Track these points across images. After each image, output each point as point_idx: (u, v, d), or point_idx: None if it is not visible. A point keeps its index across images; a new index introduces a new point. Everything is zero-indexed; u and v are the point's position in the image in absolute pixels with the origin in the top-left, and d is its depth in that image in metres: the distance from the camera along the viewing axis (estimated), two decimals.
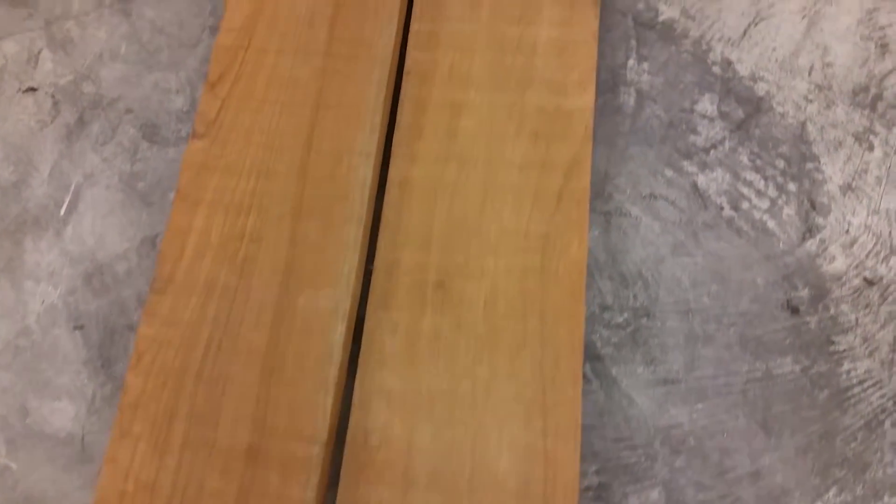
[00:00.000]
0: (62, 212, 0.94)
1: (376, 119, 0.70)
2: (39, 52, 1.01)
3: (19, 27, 1.02)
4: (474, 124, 0.71)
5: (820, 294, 0.86)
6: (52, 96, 0.98)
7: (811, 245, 0.88)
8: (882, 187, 0.90)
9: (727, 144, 0.92)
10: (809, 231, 0.89)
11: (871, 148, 0.91)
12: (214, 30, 1.00)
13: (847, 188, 0.90)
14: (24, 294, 0.92)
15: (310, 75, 0.73)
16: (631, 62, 0.96)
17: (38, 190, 0.95)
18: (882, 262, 0.87)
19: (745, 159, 0.91)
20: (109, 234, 0.93)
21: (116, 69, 0.99)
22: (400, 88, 0.74)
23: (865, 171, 0.91)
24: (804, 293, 0.87)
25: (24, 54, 1.01)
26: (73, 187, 0.95)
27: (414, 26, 0.76)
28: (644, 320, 0.87)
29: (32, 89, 0.99)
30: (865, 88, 0.94)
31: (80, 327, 0.91)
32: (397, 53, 0.76)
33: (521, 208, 0.68)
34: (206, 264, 0.66)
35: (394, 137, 0.72)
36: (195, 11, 1.01)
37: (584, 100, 0.71)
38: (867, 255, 0.88)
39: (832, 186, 0.90)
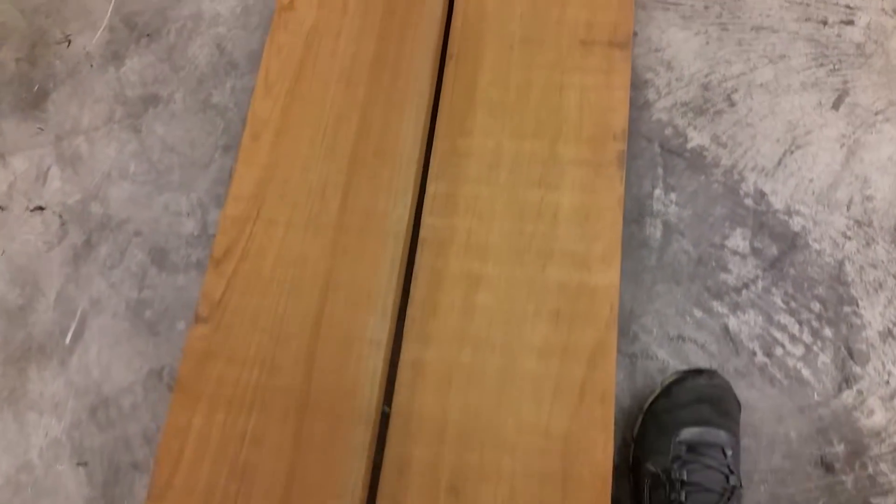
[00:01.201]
0: (68, 340, 0.90)
1: (388, 301, 0.65)
2: (48, 169, 0.97)
3: (30, 142, 0.98)
4: (492, 301, 0.66)
5: (857, 451, 0.81)
6: (60, 216, 0.94)
7: (848, 397, 0.83)
8: None
9: (760, 284, 0.86)
10: (846, 381, 0.83)
11: None
12: (227, 149, 0.95)
13: (888, 335, 0.84)
14: (27, 426, 0.88)
15: (320, 252, 0.68)
16: (657, 192, 0.90)
17: (43, 315, 0.91)
18: None
19: (778, 301, 0.85)
20: (115, 366, 0.89)
21: (125, 189, 0.94)
22: (415, 256, 0.68)
23: None
24: (840, 449, 0.81)
25: (34, 171, 0.97)
26: (79, 314, 0.91)
27: (430, 187, 0.71)
28: None
29: (40, 208, 0.95)
30: None
31: (84, 464, 0.87)
32: (412, 223, 0.70)
33: (540, 401, 0.63)
34: (205, 469, 0.62)
35: (407, 313, 0.67)
36: (207, 129, 0.96)
37: (609, 276, 0.66)
38: None
39: (871, 332, 0.84)
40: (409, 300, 0.68)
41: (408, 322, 0.67)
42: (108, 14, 1.05)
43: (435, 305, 0.68)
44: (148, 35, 1.04)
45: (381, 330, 0.66)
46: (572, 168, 0.72)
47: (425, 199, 0.72)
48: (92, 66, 1.03)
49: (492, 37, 0.78)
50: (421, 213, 0.72)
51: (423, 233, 0.71)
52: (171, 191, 0.97)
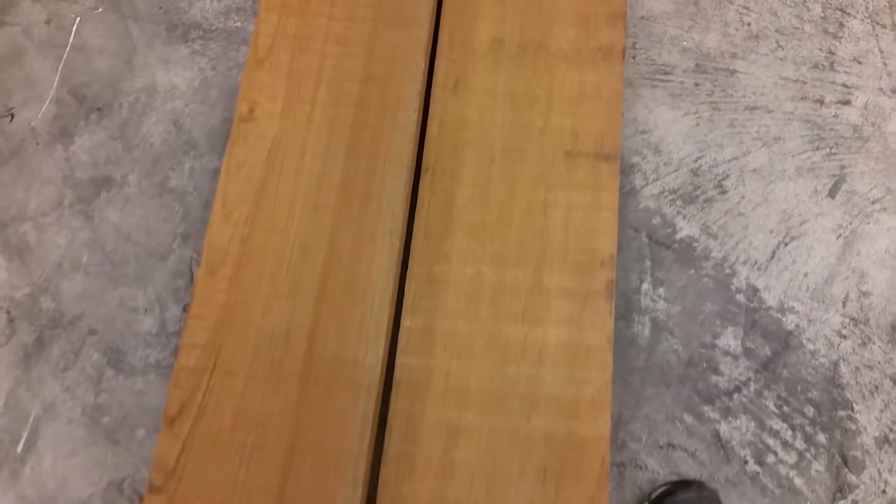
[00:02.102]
0: (19, 449, 0.84)
1: (360, 468, 0.60)
2: None
3: None
4: (473, 457, 0.62)
5: None
6: (8, 312, 0.87)
7: None
8: None
9: (752, 387, 0.82)
10: (841, 491, 0.80)
11: None
12: (186, 238, 0.88)
13: (884, 441, 0.81)
14: None
15: (283, 409, 0.62)
16: (645, 286, 0.85)
17: None
18: None
19: (771, 405, 0.81)
20: (72, 477, 0.83)
21: (77, 282, 0.87)
22: (389, 400, 0.62)
23: None
24: None
25: None
26: (31, 420, 0.85)
27: (405, 322, 0.66)
28: None
29: None
30: None
31: None
32: (384, 369, 0.64)
33: None
34: None
35: (381, 473, 0.61)
36: (164, 216, 0.89)
37: (600, 426, 0.61)
38: None
39: (867, 439, 0.81)
40: (383, 456, 0.63)
41: (381, 485, 0.62)
42: (55, 85, 0.97)
43: (411, 463, 0.62)
44: (98, 109, 0.96)
45: (351, 502, 0.61)
46: (558, 300, 0.66)
47: (399, 335, 0.66)
48: (38, 143, 0.95)
49: (471, 147, 0.71)
50: (395, 349, 0.66)
51: (397, 374, 0.65)
52: (127, 284, 0.90)
